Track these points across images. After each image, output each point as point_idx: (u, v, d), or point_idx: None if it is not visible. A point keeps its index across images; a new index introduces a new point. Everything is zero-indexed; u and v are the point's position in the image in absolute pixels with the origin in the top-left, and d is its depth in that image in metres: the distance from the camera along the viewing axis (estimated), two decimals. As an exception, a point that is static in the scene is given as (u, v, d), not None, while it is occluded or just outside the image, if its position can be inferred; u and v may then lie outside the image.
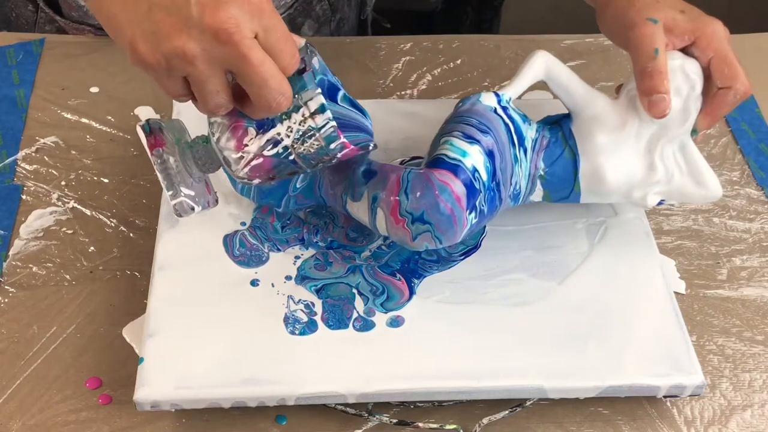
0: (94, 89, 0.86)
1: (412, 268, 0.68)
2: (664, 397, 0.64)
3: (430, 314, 0.65)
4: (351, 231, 0.70)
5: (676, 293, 0.71)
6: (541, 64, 0.66)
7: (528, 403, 0.64)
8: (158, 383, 0.60)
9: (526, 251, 0.70)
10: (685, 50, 0.65)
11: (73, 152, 0.80)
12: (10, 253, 0.72)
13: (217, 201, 0.61)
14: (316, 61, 0.56)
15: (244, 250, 0.68)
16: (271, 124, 0.56)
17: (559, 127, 0.67)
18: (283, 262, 0.68)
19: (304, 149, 0.56)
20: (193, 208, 0.58)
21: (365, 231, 0.70)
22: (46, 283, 0.70)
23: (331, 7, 1.00)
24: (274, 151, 0.56)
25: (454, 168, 0.62)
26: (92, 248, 0.73)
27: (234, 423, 0.63)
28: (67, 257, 0.72)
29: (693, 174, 0.66)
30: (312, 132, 0.55)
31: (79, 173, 0.79)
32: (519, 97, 0.67)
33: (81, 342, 0.67)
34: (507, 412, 0.64)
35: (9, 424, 0.62)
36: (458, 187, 0.62)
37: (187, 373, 0.60)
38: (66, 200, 0.76)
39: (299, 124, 0.55)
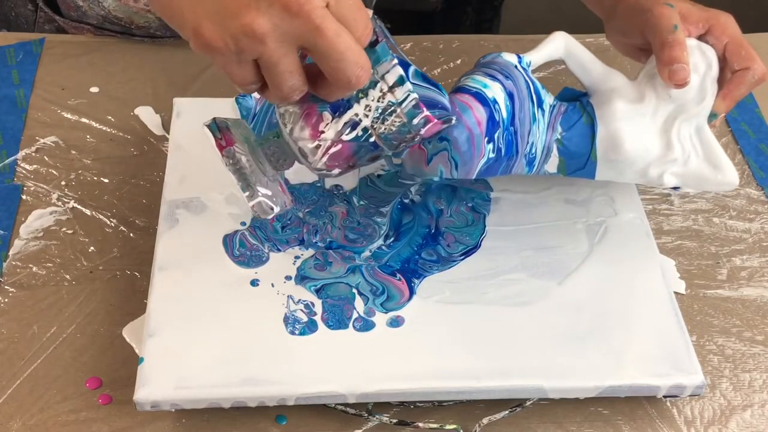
0: (94, 89, 0.86)
1: (413, 268, 0.68)
2: (664, 397, 0.64)
3: (430, 314, 0.65)
4: (350, 232, 0.70)
5: (676, 293, 0.71)
6: (560, 41, 0.67)
7: (528, 403, 0.64)
8: (158, 383, 0.60)
9: (526, 251, 0.70)
10: (699, 39, 0.66)
11: (73, 152, 0.80)
12: (10, 253, 0.72)
13: (293, 201, 0.58)
14: (389, 37, 0.53)
15: (244, 250, 0.68)
16: (347, 105, 0.52)
17: (577, 100, 0.67)
18: (283, 262, 0.68)
19: (385, 128, 0.52)
20: (272, 208, 0.55)
21: (365, 231, 0.70)
22: (46, 283, 0.70)
23: None
24: (353, 134, 0.52)
25: (476, 94, 0.61)
26: (92, 248, 0.73)
27: (234, 423, 0.63)
28: (67, 257, 0.72)
29: (709, 157, 0.66)
30: (392, 108, 0.51)
31: (79, 173, 0.79)
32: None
33: (81, 342, 0.67)
34: (507, 412, 0.64)
35: (9, 424, 0.62)
36: (479, 110, 0.61)
37: (187, 373, 0.60)
38: (66, 200, 0.76)
39: (378, 101, 0.51)
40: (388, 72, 0.51)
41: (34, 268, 0.71)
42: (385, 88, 0.51)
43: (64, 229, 0.74)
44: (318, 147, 0.53)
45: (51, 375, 0.65)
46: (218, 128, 0.54)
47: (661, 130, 0.65)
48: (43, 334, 0.67)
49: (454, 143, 0.60)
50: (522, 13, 1.74)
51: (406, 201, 0.72)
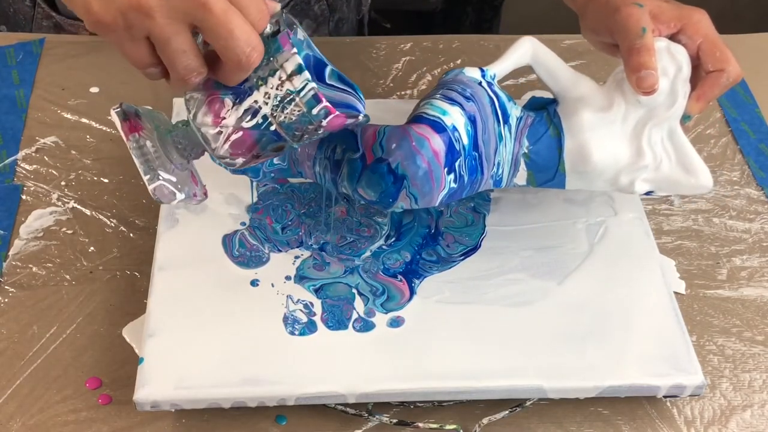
0: (94, 89, 0.86)
1: (413, 269, 0.68)
2: (664, 397, 0.64)
3: (430, 314, 0.65)
4: (350, 233, 0.70)
5: (676, 293, 0.71)
6: (527, 48, 0.65)
7: (528, 403, 0.64)
8: (158, 383, 0.60)
9: (526, 251, 0.70)
10: (672, 38, 0.65)
11: (73, 152, 0.80)
12: (10, 253, 0.72)
13: (206, 195, 0.58)
14: (301, 35, 0.54)
15: (243, 250, 0.68)
16: (248, 92, 0.53)
17: (544, 109, 0.66)
18: (283, 263, 0.68)
19: (285, 117, 0.53)
20: (174, 194, 0.55)
21: (365, 233, 0.70)
22: (46, 283, 0.70)
23: (329, 7, 1.00)
24: (254, 122, 0.53)
25: (433, 123, 0.60)
26: (92, 248, 0.73)
27: (234, 423, 0.63)
28: (67, 257, 0.72)
29: (682, 161, 0.65)
30: (291, 96, 0.52)
31: (79, 173, 0.79)
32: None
33: (81, 342, 0.67)
34: (507, 412, 0.64)
35: (9, 424, 0.62)
36: (437, 141, 0.59)
37: (187, 373, 0.60)
38: (66, 200, 0.76)
39: (277, 89, 0.52)
40: (287, 60, 0.51)
41: (34, 268, 0.71)
42: (284, 77, 0.52)
43: (64, 229, 0.74)
44: (220, 133, 0.53)
45: (51, 375, 0.65)
46: (126, 114, 0.54)
47: (632, 137, 0.64)
48: (43, 334, 0.67)
49: (411, 179, 0.60)
50: (522, 13, 1.74)
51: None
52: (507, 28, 1.65)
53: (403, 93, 0.89)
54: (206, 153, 0.57)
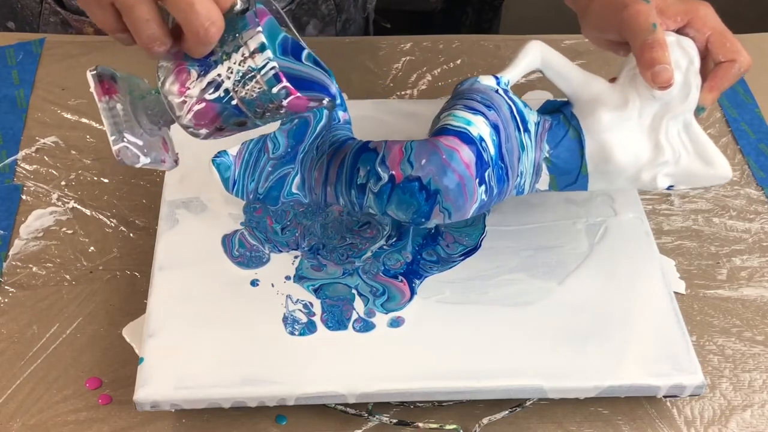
0: (94, 89, 0.86)
1: (414, 269, 0.68)
2: (664, 397, 0.64)
3: (430, 314, 0.65)
4: (350, 234, 0.70)
5: (676, 293, 0.71)
6: (536, 52, 0.65)
7: (528, 403, 0.64)
8: (158, 383, 0.60)
9: (526, 251, 0.70)
10: (679, 32, 0.65)
11: (73, 152, 0.80)
12: (10, 253, 0.72)
13: (176, 162, 0.59)
14: (280, 17, 0.54)
15: (243, 250, 0.68)
16: (212, 65, 0.53)
17: (560, 112, 0.66)
18: (283, 263, 0.68)
19: (245, 93, 0.53)
20: (138, 157, 0.56)
21: (363, 233, 0.70)
22: (46, 283, 0.70)
23: (336, 7, 1.00)
24: (216, 94, 0.54)
25: (461, 134, 0.59)
26: (92, 248, 0.73)
27: (234, 423, 0.63)
28: (67, 257, 0.72)
29: (700, 153, 0.65)
30: (252, 73, 0.53)
31: (79, 173, 0.79)
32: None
33: (81, 342, 0.67)
34: (507, 412, 0.64)
35: (9, 424, 0.62)
36: (466, 153, 0.59)
37: (187, 373, 0.60)
38: (66, 200, 0.76)
39: (239, 65, 0.53)
40: (251, 38, 0.52)
41: (34, 268, 0.71)
42: (247, 53, 0.53)
43: (64, 229, 0.74)
44: (184, 103, 0.54)
45: (51, 375, 0.65)
46: (101, 76, 0.56)
47: (649, 132, 0.64)
48: (43, 334, 0.67)
49: (444, 194, 0.59)
50: (522, 13, 1.74)
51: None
52: (507, 28, 1.65)
53: (403, 93, 0.89)
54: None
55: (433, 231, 0.71)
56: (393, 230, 0.70)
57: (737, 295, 0.73)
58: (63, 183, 0.78)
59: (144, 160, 0.56)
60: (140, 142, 0.56)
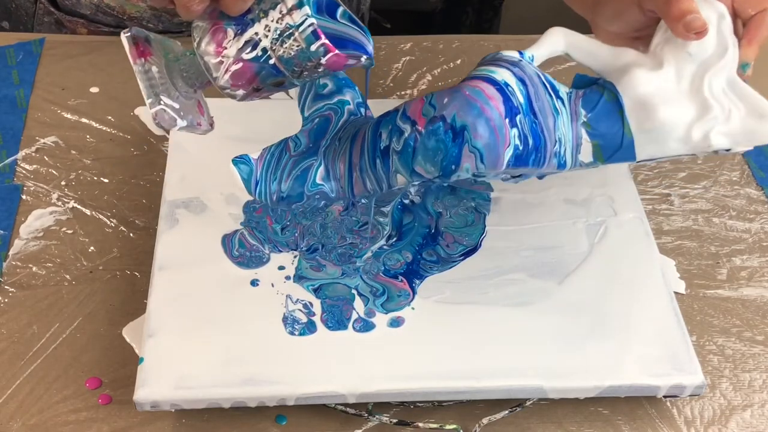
0: (94, 89, 0.86)
1: (414, 269, 0.68)
2: (664, 397, 0.64)
3: (430, 314, 0.65)
4: (350, 234, 0.70)
5: (676, 293, 0.71)
6: (558, 36, 0.63)
7: (528, 403, 0.64)
8: (158, 383, 0.60)
9: (526, 251, 0.70)
10: None
11: (73, 152, 0.80)
12: (10, 253, 0.72)
13: (212, 126, 0.58)
14: None
15: (243, 250, 0.68)
16: (250, 24, 0.53)
17: (592, 83, 0.63)
18: (283, 263, 0.68)
19: (283, 51, 0.52)
20: (175, 120, 0.55)
21: (363, 234, 0.70)
22: (46, 283, 0.70)
23: None
24: (254, 54, 0.53)
25: (485, 78, 0.57)
26: (92, 248, 0.73)
27: (234, 423, 0.63)
28: (67, 257, 0.72)
29: (751, 108, 0.61)
30: (290, 30, 0.52)
31: (79, 173, 0.79)
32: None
33: (81, 342, 0.67)
34: (507, 412, 0.64)
35: (9, 424, 0.62)
36: (491, 90, 0.55)
37: (187, 373, 0.60)
38: (66, 200, 0.76)
39: (277, 22, 0.52)
40: None
41: (34, 268, 0.71)
42: (284, 10, 0.52)
43: (64, 229, 0.74)
44: (221, 63, 0.54)
45: (51, 375, 0.65)
46: (135, 39, 0.55)
47: (690, 93, 0.61)
48: (43, 334, 0.67)
49: (472, 129, 0.55)
50: (522, 13, 1.74)
51: (406, 201, 0.72)
52: (507, 28, 1.65)
53: (403, 93, 0.89)
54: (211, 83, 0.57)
55: (433, 231, 0.71)
56: (393, 230, 0.70)
57: (737, 295, 0.73)
58: (63, 183, 0.78)
59: (181, 123, 0.56)
60: (177, 105, 0.55)
